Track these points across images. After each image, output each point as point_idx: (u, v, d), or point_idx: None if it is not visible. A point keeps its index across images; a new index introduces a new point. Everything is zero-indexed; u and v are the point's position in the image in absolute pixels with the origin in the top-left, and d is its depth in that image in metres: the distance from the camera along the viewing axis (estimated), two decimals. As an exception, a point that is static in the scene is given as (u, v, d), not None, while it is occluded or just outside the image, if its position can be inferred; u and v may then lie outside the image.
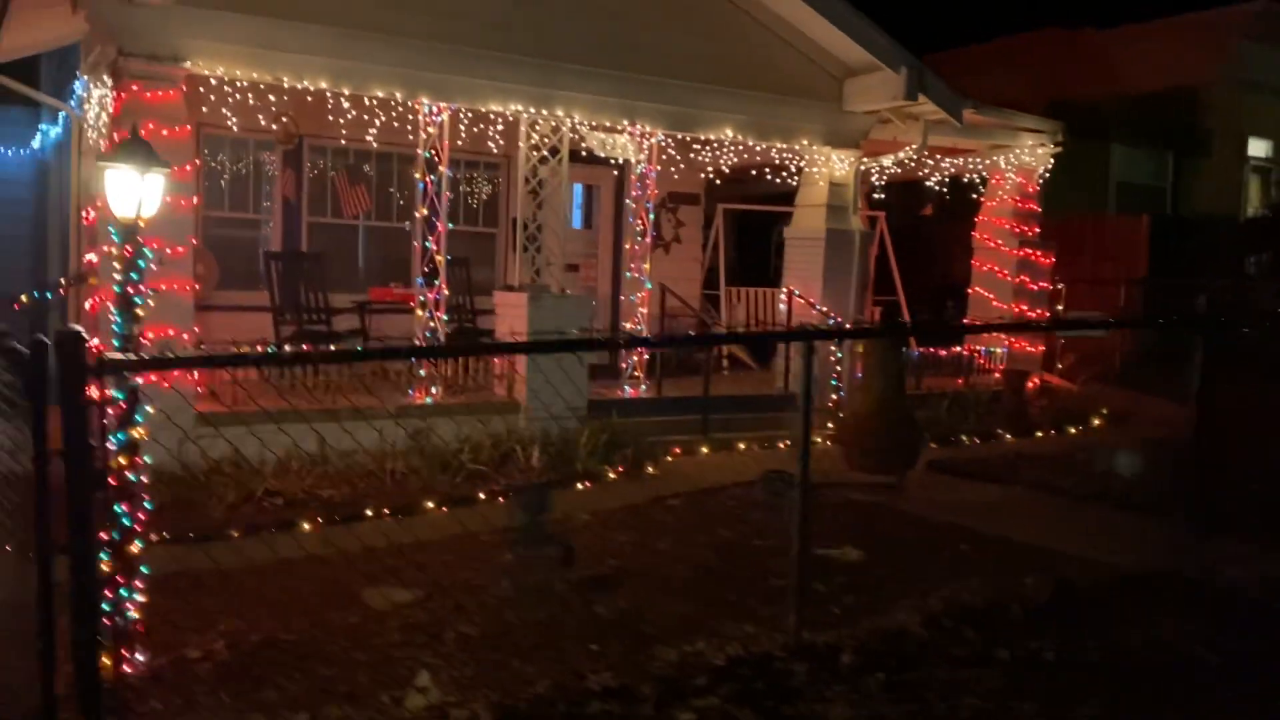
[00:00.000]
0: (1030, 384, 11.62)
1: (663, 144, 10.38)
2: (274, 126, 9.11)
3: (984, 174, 12.44)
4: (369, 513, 7.08)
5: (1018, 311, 12.41)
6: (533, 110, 9.29)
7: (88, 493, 2.94)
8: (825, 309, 10.75)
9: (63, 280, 9.22)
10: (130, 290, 3.99)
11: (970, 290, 12.82)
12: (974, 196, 12.86)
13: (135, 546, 4.01)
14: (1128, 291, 13.55)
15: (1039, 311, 12.51)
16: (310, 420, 8.37)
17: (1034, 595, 5.02)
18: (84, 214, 7.85)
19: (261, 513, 7.30)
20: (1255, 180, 20.20)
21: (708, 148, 10.67)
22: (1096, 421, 11.14)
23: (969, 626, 4.57)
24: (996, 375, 12.36)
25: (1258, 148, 20.09)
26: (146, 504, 4.12)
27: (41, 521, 2.92)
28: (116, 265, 3.99)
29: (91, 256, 7.58)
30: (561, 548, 5.25)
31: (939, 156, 11.77)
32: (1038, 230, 12.52)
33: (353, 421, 8.41)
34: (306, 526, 6.79)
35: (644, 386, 10.31)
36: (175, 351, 7.49)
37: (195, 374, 7.94)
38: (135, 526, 3.95)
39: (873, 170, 11.52)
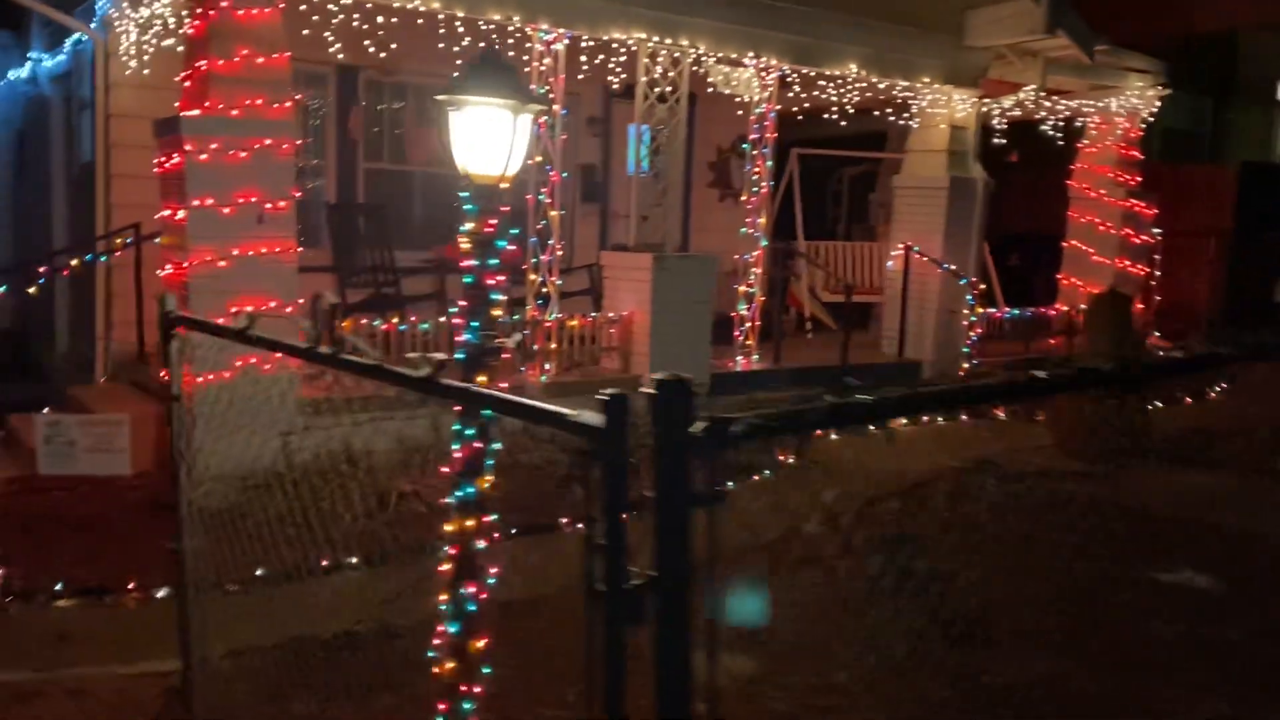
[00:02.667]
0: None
1: (788, 78, 9.17)
2: (383, 55, 7.66)
3: (1095, 117, 11.46)
4: (542, 520, 5.88)
5: (1120, 266, 11.57)
6: (656, 39, 8.01)
7: (683, 617, 1.75)
8: (953, 266, 9.75)
9: (119, 241, 7.70)
10: (489, 281, 2.74)
11: (1066, 244, 11.92)
12: (1059, 143, 11.91)
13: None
14: (1218, 244, 12.83)
15: (1141, 267, 11.69)
16: (417, 407, 7.16)
17: None
18: (161, 159, 6.38)
19: (407, 522, 6.08)
20: (1280, 125, 19.73)
21: (832, 84, 9.49)
22: (1223, 385, 10.39)
23: None
24: (1096, 335, 11.53)
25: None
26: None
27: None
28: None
29: (168, 212, 6.17)
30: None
31: (1055, 98, 10.77)
32: (1139, 179, 11.65)
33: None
34: (482, 544, 5.57)
35: (756, 356, 9.19)
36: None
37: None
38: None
39: (993, 112, 10.47)
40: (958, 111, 9.87)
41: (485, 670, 2.93)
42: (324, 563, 5.30)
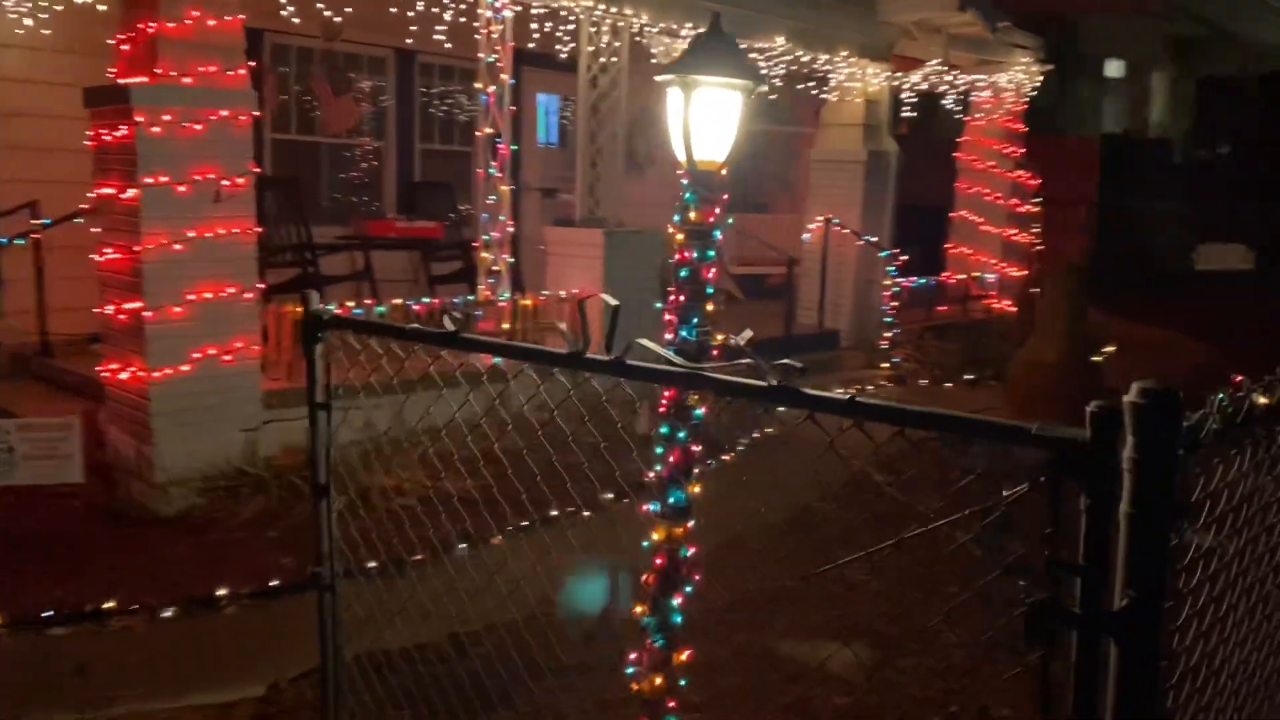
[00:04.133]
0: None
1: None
2: (338, 20, 7.13)
3: (985, 92, 11.91)
4: (553, 513, 5.67)
5: (1008, 235, 12.14)
6: (602, 8, 7.78)
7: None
8: (874, 238, 9.97)
9: (37, 223, 6.88)
10: (705, 275, 2.57)
11: (953, 215, 12.41)
12: (929, 117, 12.36)
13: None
14: (1086, 212, 13.65)
15: (1026, 235, 12.30)
16: (384, 394, 6.77)
17: None
18: (98, 131, 5.73)
19: (400, 520, 5.75)
20: (1109, 99, 21.17)
21: (762, 57, 9.46)
22: (1112, 347, 11.06)
23: None
24: (987, 302, 12.08)
25: (1113, 68, 21.05)
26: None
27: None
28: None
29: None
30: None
31: (957, 72, 11.13)
32: (1023, 151, 12.23)
33: (423, 393, 6.93)
34: (498, 539, 5.34)
35: (694, 330, 9.14)
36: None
37: (256, 346, 6.18)
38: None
39: (903, 86, 10.72)
40: (871, 86, 10.07)
41: (682, 683, 2.80)
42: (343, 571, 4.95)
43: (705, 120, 2.45)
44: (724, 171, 2.56)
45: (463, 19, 7.28)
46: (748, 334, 2.77)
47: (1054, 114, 19.44)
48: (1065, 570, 1.65)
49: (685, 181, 2.56)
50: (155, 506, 5.79)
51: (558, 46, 8.29)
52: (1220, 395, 1.75)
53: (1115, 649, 1.65)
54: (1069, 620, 1.65)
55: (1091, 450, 1.60)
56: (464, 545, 5.20)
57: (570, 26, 8.02)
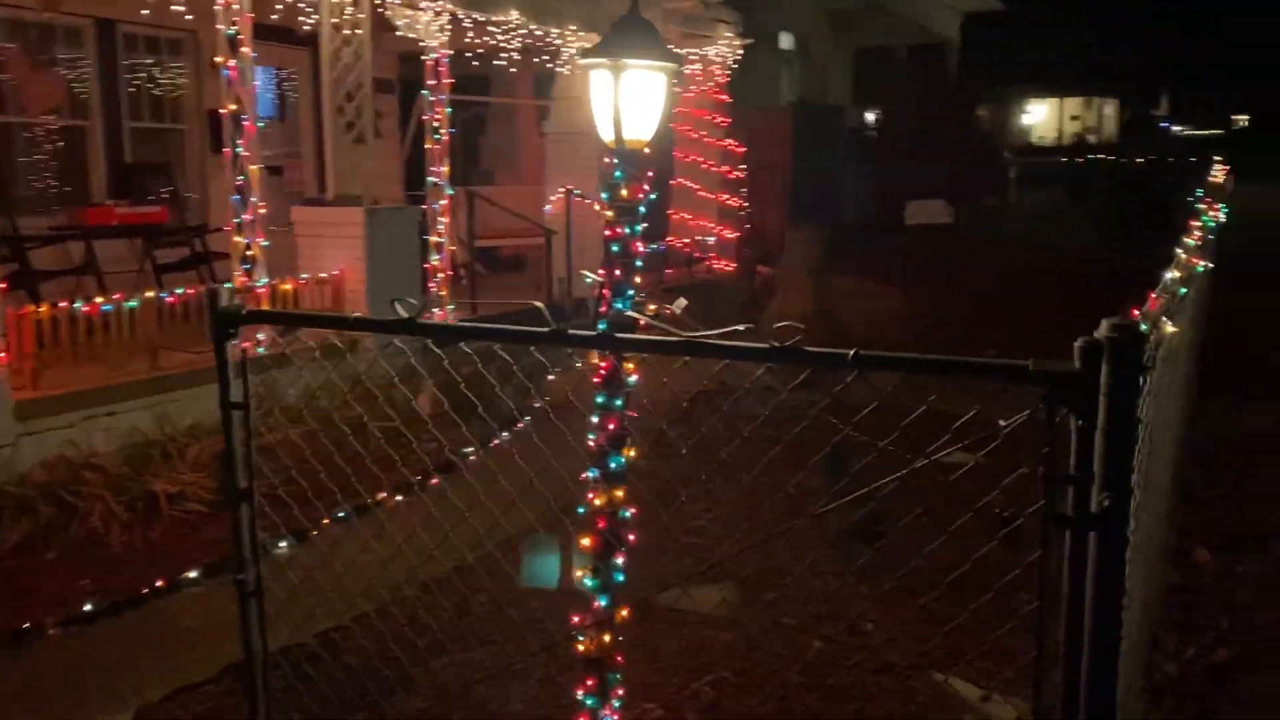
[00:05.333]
0: (760, 272, 12.27)
1: (463, 22, 8.99)
2: None
3: (696, 64, 12.55)
4: (369, 501, 5.52)
5: (721, 200, 12.93)
6: (342, -22, 7.53)
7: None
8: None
9: None
10: (635, 248, 2.70)
11: (674, 182, 13.03)
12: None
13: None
14: (782, 177, 14.74)
15: (737, 200, 13.15)
16: (139, 394, 6.30)
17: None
18: None
19: (197, 525, 5.41)
20: (785, 70, 22.80)
21: (500, 30, 9.43)
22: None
23: None
24: (709, 263, 12.82)
25: (785, 40, 22.65)
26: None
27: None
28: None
29: None
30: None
31: (672, 46, 11.62)
32: (729, 121, 13.04)
33: (187, 390, 6.57)
34: (314, 533, 5.15)
35: (452, 306, 9.11)
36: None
37: (3, 354, 5.55)
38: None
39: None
40: (601, 58, 10.35)
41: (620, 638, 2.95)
42: (153, 588, 4.62)
43: (632, 101, 2.57)
44: (647, 150, 2.70)
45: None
46: (682, 302, 2.94)
47: (744, 85, 20.79)
48: (1063, 481, 1.97)
49: (614, 160, 2.67)
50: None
51: (301, 19, 7.90)
52: (1143, 326, 2.13)
53: (1096, 541, 2.00)
54: (1065, 522, 1.97)
55: (1083, 379, 1.92)
56: (284, 544, 4.98)
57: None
